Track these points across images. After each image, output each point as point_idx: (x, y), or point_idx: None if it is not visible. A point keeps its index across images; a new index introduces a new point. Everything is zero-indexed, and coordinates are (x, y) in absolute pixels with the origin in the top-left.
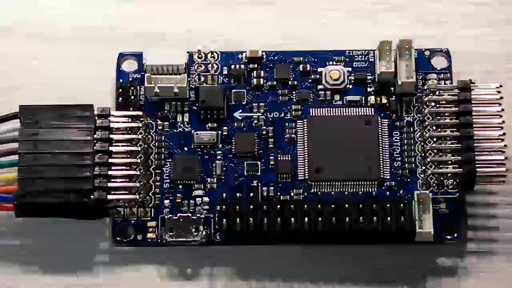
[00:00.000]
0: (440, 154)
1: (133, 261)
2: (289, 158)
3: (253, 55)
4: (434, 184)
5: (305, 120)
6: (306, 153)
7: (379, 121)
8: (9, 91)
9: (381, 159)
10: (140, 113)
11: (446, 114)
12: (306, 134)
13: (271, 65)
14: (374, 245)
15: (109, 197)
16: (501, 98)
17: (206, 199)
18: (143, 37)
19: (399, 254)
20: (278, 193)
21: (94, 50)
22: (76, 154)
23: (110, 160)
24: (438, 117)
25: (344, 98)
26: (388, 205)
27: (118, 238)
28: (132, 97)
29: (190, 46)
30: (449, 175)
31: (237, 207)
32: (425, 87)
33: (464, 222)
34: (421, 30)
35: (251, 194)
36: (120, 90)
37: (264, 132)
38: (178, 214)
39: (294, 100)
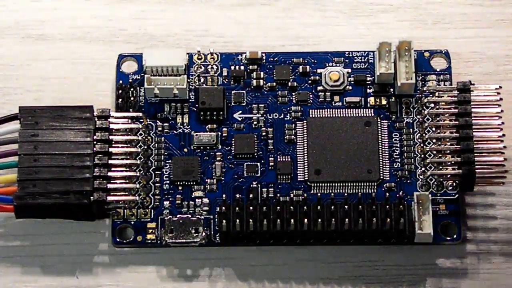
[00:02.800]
0: (440, 155)
1: (133, 262)
2: (289, 159)
3: (253, 56)
4: (434, 185)
5: (304, 121)
6: (306, 154)
7: (379, 122)
8: (9, 92)
9: (380, 160)
10: (140, 114)
11: (446, 115)
12: (305, 135)
13: (270, 66)
14: (374, 246)
15: (109, 198)
16: (501, 99)
17: (205, 200)
18: (142, 38)
19: (399, 255)
20: (278, 194)
21: (94, 51)
22: (75, 156)
23: (110, 161)
24: (438, 118)
25: (343, 99)
26: (387, 206)
27: (118, 239)
28: (132, 98)
29: (189, 47)
30: (448, 176)
31: (237, 208)
32: (425, 88)
33: (464, 223)
34: (421, 31)
35: (251, 195)
36: (120, 91)
37: (264, 133)
38: (178, 215)
39: (293, 101)
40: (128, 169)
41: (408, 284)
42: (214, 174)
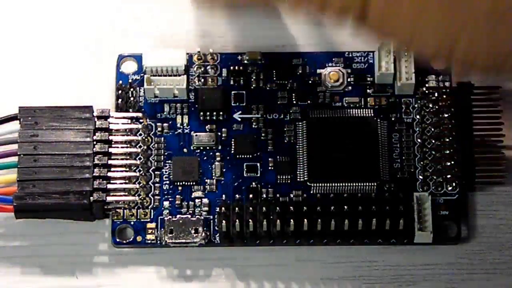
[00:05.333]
0: (439, 155)
1: (133, 263)
2: (289, 160)
3: (253, 57)
4: (433, 186)
5: (304, 121)
6: (306, 154)
7: (379, 123)
8: (9, 92)
9: (380, 160)
10: (140, 114)
11: (445, 115)
12: (305, 136)
13: (270, 66)
14: (373, 246)
15: (109, 198)
16: (500, 99)
17: (205, 200)
18: (142, 39)
19: (399, 255)
20: (278, 195)
21: (94, 51)
22: (75, 156)
23: (110, 162)
24: (437, 118)
25: (343, 100)
26: (387, 207)
27: (118, 240)
28: (132, 98)
29: (189, 48)
30: (448, 176)
31: (236, 208)
32: (424, 89)
33: (463, 223)
34: None
35: (251, 196)
36: (120, 91)
37: (264, 134)
38: (178, 216)
39: (293, 101)
40: (127, 169)
41: (408, 284)
42: (213, 174)
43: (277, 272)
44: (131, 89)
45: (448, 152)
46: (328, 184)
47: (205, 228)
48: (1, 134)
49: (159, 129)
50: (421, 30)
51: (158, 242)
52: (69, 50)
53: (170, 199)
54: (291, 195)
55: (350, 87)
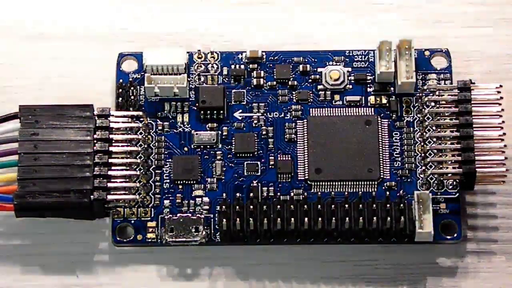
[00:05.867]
0: (440, 154)
1: (133, 261)
2: (289, 158)
3: (253, 55)
4: (434, 184)
5: (305, 120)
6: (306, 153)
7: (379, 121)
8: (9, 91)
9: (381, 159)
10: (140, 113)
11: (446, 114)
12: (306, 134)
13: (271, 65)
14: (374, 244)
15: (109, 197)
16: (501, 98)
17: (206, 199)
18: (143, 37)
19: (399, 254)
20: (278, 193)
21: (94, 50)
22: (76, 154)
23: (110, 160)
24: (438, 117)
25: (344, 98)
26: (388, 205)
27: (118, 238)
28: (132, 97)
29: (190, 46)
30: (449, 175)
31: (237, 207)
32: (425, 87)
33: (464, 222)
34: (421, 30)
35: (251, 194)
36: (120, 90)
37: (264, 132)
38: (178, 214)
39: (294, 100)
40: (128, 168)
41: (409, 283)
42: (214, 173)
43: (277, 271)
44: (132, 88)
45: (448, 151)
46: (328, 183)
47: (205, 227)
48: (2, 133)
49: (160, 127)
50: None
51: (159, 240)
52: (69, 49)
53: (170, 198)
54: (292, 194)
55: (350, 86)
